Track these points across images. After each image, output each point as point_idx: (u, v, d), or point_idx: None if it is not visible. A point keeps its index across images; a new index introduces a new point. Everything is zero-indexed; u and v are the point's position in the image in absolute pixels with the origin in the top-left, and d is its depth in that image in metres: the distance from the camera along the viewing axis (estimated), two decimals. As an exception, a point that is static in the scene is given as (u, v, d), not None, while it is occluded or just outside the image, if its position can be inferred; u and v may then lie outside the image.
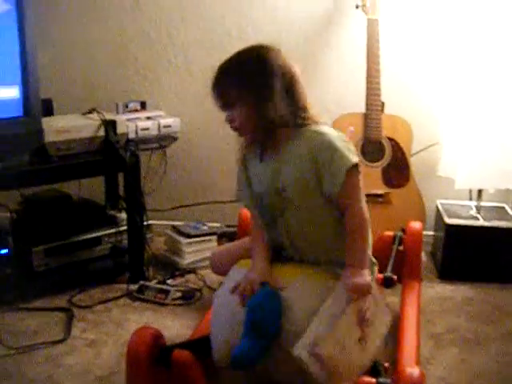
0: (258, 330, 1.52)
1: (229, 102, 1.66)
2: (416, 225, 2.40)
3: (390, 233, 2.39)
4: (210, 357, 1.65)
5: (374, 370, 1.63)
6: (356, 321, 1.56)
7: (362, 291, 1.58)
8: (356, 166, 1.62)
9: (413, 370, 1.55)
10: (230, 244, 2.13)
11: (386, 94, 2.69)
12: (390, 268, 2.13)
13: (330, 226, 1.69)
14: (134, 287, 2.51)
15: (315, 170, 1.62)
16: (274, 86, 1.61)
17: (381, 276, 2.08)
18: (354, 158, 1.62)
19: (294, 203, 1.66)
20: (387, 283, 2.09)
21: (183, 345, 1.70)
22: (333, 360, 1.50)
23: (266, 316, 1.53)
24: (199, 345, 1.71)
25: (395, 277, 2.11)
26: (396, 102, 2.79)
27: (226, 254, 2.02)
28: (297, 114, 1.65)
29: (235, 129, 1.70)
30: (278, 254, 1.76)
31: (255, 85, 1.62)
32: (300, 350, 1.48)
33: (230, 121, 1.68)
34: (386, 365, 1.65)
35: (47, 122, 2.36)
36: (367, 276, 1.60)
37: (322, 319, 1.53)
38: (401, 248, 2.31)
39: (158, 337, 1.66)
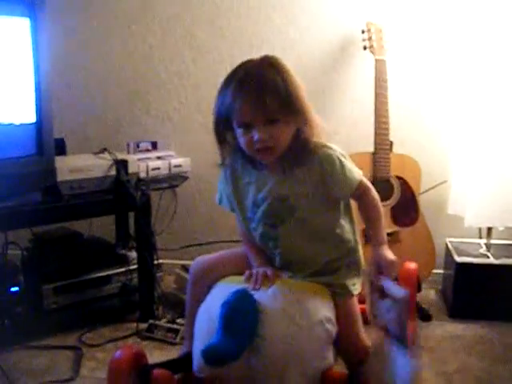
0: (230, 326, 1.49)
1: (272, 117, 1.58)
2: (411, 265, 2.28)
3: None
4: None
5: None
6: None
7: (395, 265, 1.67)
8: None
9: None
10: (220, 253, 1.89)
11: (394, 134, 2.71)
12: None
13: (325, 235, 1.71)
14: (143, 326, 2.50)
15: (322, 181, 1.66)
16: (309, 106, 1.64)
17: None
18: (359, 172, 1.72)
19: (297, 211, 1.67)
20: None
21: (163, 364, 1.70)
22: None
23: (238, 313, 1.51)
24: (180, 363, 1.72)
25: None
26: (404, 141, 2.82)
27: (216, 263, 1.81)
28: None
29: (265, 148, 1.61)
30: None
31: (300, 103, 1.62)
32: None
33: (263, 140, 1.59)
34: None
35: (60, 161, 2.39)
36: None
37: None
38: None
39: (140, 356, 1.64)
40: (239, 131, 1.63)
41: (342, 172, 1.67)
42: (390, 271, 1.67)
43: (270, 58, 1.65)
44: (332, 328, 1.62)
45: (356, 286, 1.73)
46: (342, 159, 1.68)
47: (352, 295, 1.71)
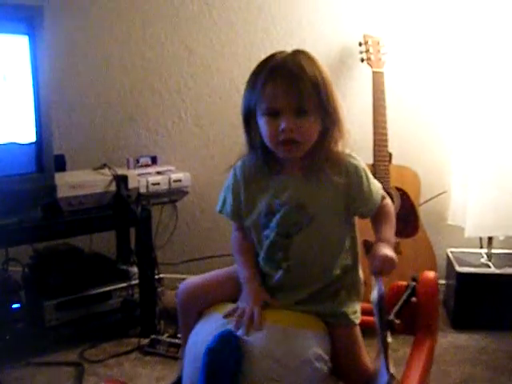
0: (213, 376, 1.41)
1: (304, 106, 1.47)
2: (430, 274, 2.18)
3: (403, 282, 2.26)
4: None
5: None
6: None
7: (390, 263, 1.51)
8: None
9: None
10: (205, 276, 1.73)
11: (393, 145, 2.72)
12: (394, 311, 1.76)
13: (335, 249, 1.59)
14: (145, 341, 2.50)
15: (346, 193, 1.56)
16: (341, 106, 1.55)
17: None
18: (380, 185, 1.64)
19: (314, 221, 1.55)
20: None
21: None
22: None
23: (221, 360, 1.41)
24: None
25: (397, 321, 1.88)
26: (403, 153, 2.82)
27: (203, 288, 1.67)
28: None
29: (291, 141, 1.49)
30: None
31: (333, 99, 1.52)
32: None
33: (290, 130, 1.47)
34: None
35: (60, 178, 2.41)
36: (393, 252, 1.55)
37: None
38: (414, 299, 2.09)
39: None
40: (264, 120, 1.51)
41: (369, 187, 1.58)
42: (379, 267, 1.51)
43: (303, 50, 1.55)
44: (323, 366, 1.48)
45: (357, 315, 1.59)
46: (368, 172, 1.60)
47: (354, 325, 1.57)
